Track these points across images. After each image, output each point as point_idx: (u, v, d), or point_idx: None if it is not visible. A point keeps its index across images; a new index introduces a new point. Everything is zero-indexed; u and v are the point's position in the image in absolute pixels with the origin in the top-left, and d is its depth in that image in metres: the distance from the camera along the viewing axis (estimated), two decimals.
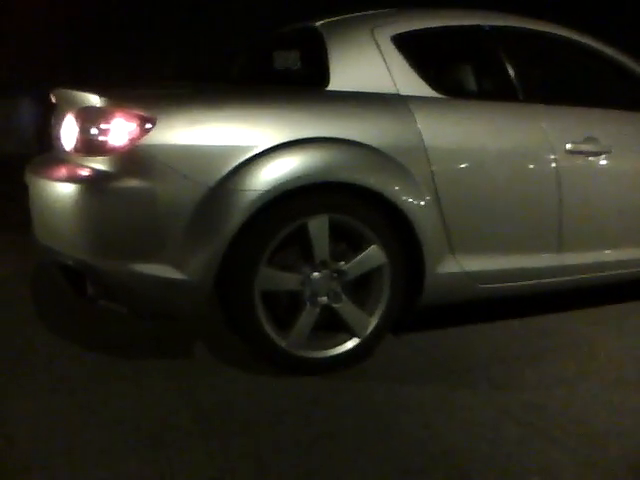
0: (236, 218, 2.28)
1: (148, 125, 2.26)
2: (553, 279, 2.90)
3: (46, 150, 2.99)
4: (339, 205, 2.44)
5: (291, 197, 2.35)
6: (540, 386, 2.42)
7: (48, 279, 3.63)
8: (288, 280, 2.43)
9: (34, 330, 2.94)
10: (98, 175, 2.30)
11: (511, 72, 2.86)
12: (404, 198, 2.49)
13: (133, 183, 2.26)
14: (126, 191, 2.26)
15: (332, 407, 2.27)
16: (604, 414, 2.22)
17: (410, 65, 2.66)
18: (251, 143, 2.32)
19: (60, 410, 2.23)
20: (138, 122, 2.26)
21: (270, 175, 2.31)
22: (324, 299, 2.47)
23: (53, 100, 2.88)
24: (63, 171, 2.41)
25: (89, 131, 2.33)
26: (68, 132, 2.46)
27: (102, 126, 2.30)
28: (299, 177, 2.34)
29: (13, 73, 9.17)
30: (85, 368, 2.56)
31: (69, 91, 2.60)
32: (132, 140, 2.26)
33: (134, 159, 2.26)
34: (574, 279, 2.94)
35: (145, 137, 2.25)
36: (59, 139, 2.58)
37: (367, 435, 2.09)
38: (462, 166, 2.64)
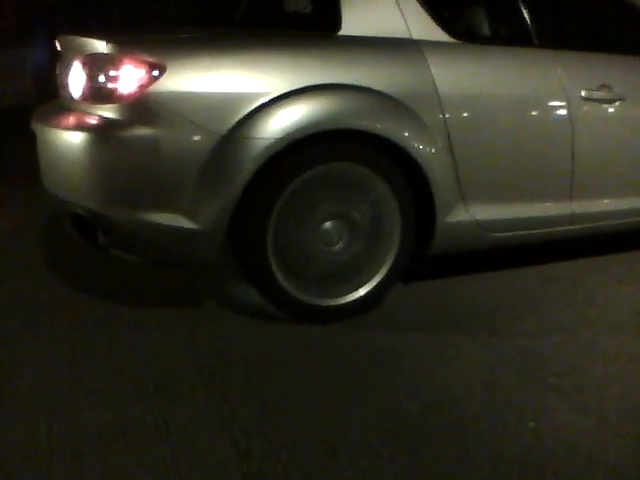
0: (248, 166, 2.26)
1: (157, 72, 2.21)
2: (565, 227, 2.89)
3: (46, 99, 2.95)
4: (351, 153, 2.42)
5: (303, 145, 2.32)
6: (538, 333, 2.44)
7: (53, 229, 3.63)
8: (300, 229, 2.42)
9: (39, 280, 2.94)
10: (107, 123, 2.27)
11: (526, 16, 2.78)
12: (416, 145, 2.46)
13: (143, 131, 2.23)
14: (136, 139, 2.24)
15: (331, 354, 2.29)
16: (600, 361, 2.24)
17: (424, 8, 2.59)
18: (262, 90, 2.29)
19: (63, 358, 2.25)
20: (147, 69, 2.22)
21: (281, 123, 2.28)
22: (336, 247, 2.48)
23: (58, 47, 2.83)
24: (71, 119, 2.38)
25: (97, 78, 2.29)
26: (75, 80, 2.42)
27: (110, 73, 2.25)
28: (310, 125, 2.31)
29: (8, 20, 8.96)
30: (89, 317, 2.56)
31: (75, 37, 2.55)
32: (141, 87, 2.22)
33: (143, 107, 2.23)
34: (586, 227, 2.94)
35: (154, 84, 2.22)
36: (66, 87, 2.54)
37: (364, 381, 2.11)
38: (475, 113, 2.60)
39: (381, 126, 2.42)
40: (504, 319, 2.56)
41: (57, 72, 2.79)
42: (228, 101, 2.26)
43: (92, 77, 2.31)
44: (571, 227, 2.91)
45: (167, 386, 2.08)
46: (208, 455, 1.75)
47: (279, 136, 2.27)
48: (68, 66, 2.53)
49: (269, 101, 2.28)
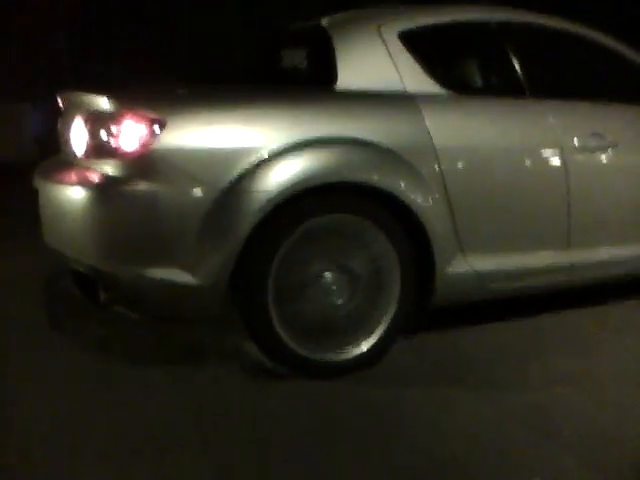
0: (248, 220, 2.28)
1: (158, 127, 2.25)
2: (563, 277, 2.89)
3: (48, 156, 2.98)
4: (349, 205, 2.44)
5: (302, 198, 2.35)
6: (540, 385, 2.40)
7: (51, 285, 3.61)
8: (300, 281, 2.42)
9: (36, 334, 2.91)
10: (108, 179, 2.30)
11: (517, 67, 2.85)
12: (413, 197, 2.48)
13: (144, 187, 2.26)
14: (137, 195, 2.26)
15: (333, 411, 2.25)
16: (608, 413, 2.20)
17: (417, 62, 2.66)
18: (261, 144, 2.32)
19: (60, 416, 2.22)
20: (148, 125, 2.26)
21: (281, 176, 2.31)
22: (336, 300, 2.47)
23: (60, 103, 2.88)
24: (73, 175, 2.41)
25: (99, 135, 2.33)
26: (77, 136, 2.46)
27: (112, 129, 2.29)
28: (309, 177, 2.34)
29: (11, 77, 9.09)
30: (87, 374, 2.54)
31: (77, 94, 2.60)
32: (142, 143, 2.26)
33: (144, 163, 2.26)
34: (583, 277, 2.94)
35: (155, 140, 2.25)
36: (68, 143, 2.58)
37: (366, 438, 2.07)
38: (470, 163, 2.64)
39: (378, 178, 2.45)
40: (505, 371, 2.52)
41: (59, 128, 2.84)
42: (227, 155, 2.30)
43: (94, 133, 2.35)
44: (570, 276, 2.92)
45: (167, 446, 2.04)
46: None
47: (279, 189, 2.29)
48: (70, 122, 2.57)
49: (268, 155, 2.32)
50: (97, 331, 2.98)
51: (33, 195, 2.71)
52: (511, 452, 1.98)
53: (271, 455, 1.99)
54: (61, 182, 2.43)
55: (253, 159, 2.30)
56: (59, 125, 2.85)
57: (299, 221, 2.37)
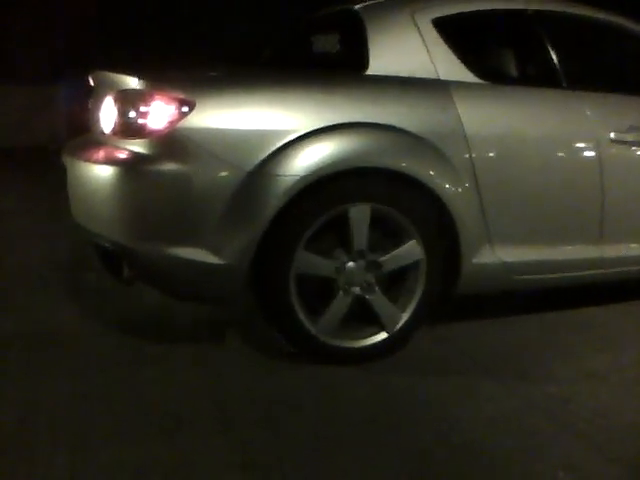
0: (273, 203, 2.27)
1: (187, 108, 2.24)
2: (592, 271, 2.84)
3: (77, 136, 3.00)
4: (376, 192, 2.41)
5: (328, 183, 2.32)
6: (567, 379, 2.37)
7: (78, 262, 3.65)
8: (323, 268, 2.40)
9: (64, 312, 2.96)
10: (136, 158, 2.30)
11: (553, 57, 2.79)
12: (442, 184, 2.45)
13: (171, 166, 2.25)
14: (164, 174, 2.26)
15: (355, 397, 2.24)
16: (631, 409, 2.17)
17: (451, 49, 2.61)
18: (289, 127, 2.30)
19: (83, 392, 2.24)
20: (177, 105, 2.25)
21: (308, 160, 2.29)
22: (357, 289, 2.45)
23: (91, 82, 2.89)
24: (101, 153, 2.42)
25: (128, 114, 2.33)
26: (107, 114, 2.46)
27: (141, 109, 2.29)
28: (336, 163, 2.32)
29: (39, 57, 9.15)
30: (109, 351, 2.56)
31: (108, 73, 2.60)
32: (171, 123, 2.25)
33: (172, 142, 2.26)
34: (613, 272, 2.88)
35: (184, 120, 2.24)
36: (97, 121, 2.58)
37: (388, 425, 2.06)
38: (502, 153, 2.59)
39: (407, 164, 2.42)
40: (532, 364, 2.50)
41: (89, 107, 2.85)
42: (255, 138, 2.28)
43: (123, 112, 2.34)
44: (600, 271, 2.86)
45: (187, 424, 2.05)
46: None
47: (305, 173, 2.28)
48: (100, 101, 2.58)
49: (296, 138, 2.30)
50: (117, 308, 3.00)
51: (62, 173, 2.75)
52: (528, 441, 1.97)
53: (284, 435, 1.99)
54: (89, 159, 2.43)
55: (281, 142, 2.28)
56: (89, 104, 2.86)
57: (325, 206, 2.35)
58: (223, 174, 2.26)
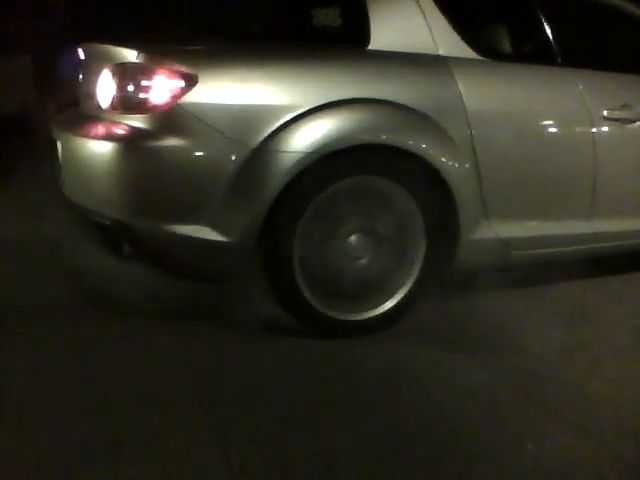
0: (278, 179, 2.25)
1: (189, 83, 2.21)
2: (585, 246, 2.89)
3: (47, 108, 2.93)
4: (379, 166, 2.41)
5: (332, 159, 2.32)
6: (537, 354, 2.39)
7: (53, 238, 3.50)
8: (326, 242, 2.41)
9: (35, 286, 2.88)
10: (137, 133, 2.26)
11: (550, 35, 2.80)
12: (442, 160, 2.46)
13: (173, 142, 2.22)
14: (166, 150, 2.23)
15: (329, 372, 2.25)
16: (599, 382, 2.20)
17: (451, 25, 2.61)
18: (294, 103, 2.29)
19: (55, 370, 2.19)
20: (179, 79, 2.21)
21: (312, 137, 2.28)
22: (361, 261, 2.46)
23: (80, 55, 2.82)
24: (101, 129, 2.37)
25: (128, 88, 2.28)
26: (104, 89, 2.40)
27: (142, 83, 2.24)
28: (341, 139, 2.31)
29: (8, 26, 8.80)
30: (83, 328, 2.50)
31: (103, 46, 2.54)
32: (173, 98, 2.21)
33: (174, 117, 2.22)
34: (605, 246, 2.94)
35: (186, 95, 2.21)
36: (92, 96, 2.52)
37: (361, 399, 2.07)
38: (500, 129, 2.61)
39: (409, 141, 2.42)
40: (503, 339, 2.51)
41: (79, 80, 2.78)
42: (259, 114, 2.26)
43: (122, 86, 2.30)
44: (592, 245, 2.92)
45: (160, 400, 2.02)
46: (201, 473, 1.70)
47: (310, 150, 2.27)
48: (94, 75, 2.51)
49: (300, 114, 2.28)
50: (90, 284, 2.91)
51: (51, 147, 2.68)
52: (498, 414, 2.00)
53: (265, 414, 1.97)
54: (87, 135, 2.38)
55: (285, 118, 2.27)
56: (80, 77, 2.79)
57: (328, 182, 2.34)
58: (226, 150, 2.24)
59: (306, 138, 2.27)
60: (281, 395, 2.08)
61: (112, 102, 2.33)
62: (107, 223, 2.35)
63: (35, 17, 8.69)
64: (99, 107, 2.44)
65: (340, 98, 2.33)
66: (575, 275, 3.07)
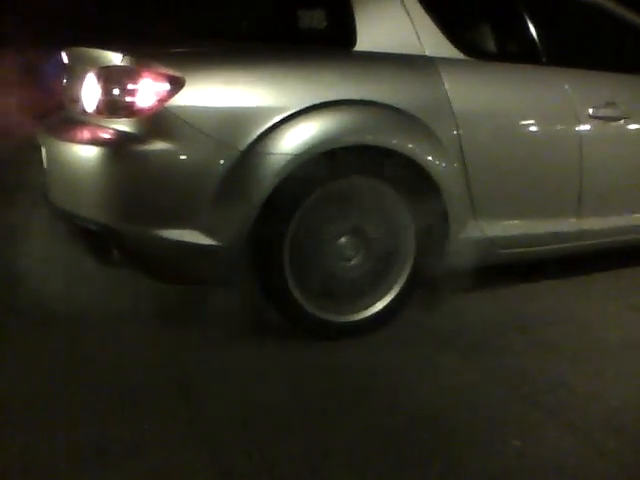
0: (268, 182, 2.25)
1: (176, 85, 2.19)
2: (573, 243, 2.92)
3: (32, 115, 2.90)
4: (368, 168, 2.42)
5: (320, 160, 2.31)
6: (523, 351, 2.41)
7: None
8: (316, 243, 2.40)
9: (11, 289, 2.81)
10: (124, 137, 2.23)
11: (534, 34, 2.83)
12: (430, 160, 2.47)
13: (160, 146, 2.20)
14: (153, 154, 2.21)
15: (314, 372, 2.24)
16: (586, 378, 2.22)
17: (437, 25, 2.62)
18: (282, 105, 2.28)
19: (40, 373, 2.17)
20: (166, 82, 2.20)
21: (301, 138, 2.27)
22: (351, 262, 2.46)
23: (64, 59, 2.79)
24: (87, 133, 2.34)
25: (113, 91, 2.26)
26: (89, 92, 2.38)
27: (128, 86, 2.22)
28: (329, 140, 2.31)
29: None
30: (68, 329, 2.47)
31: (87, 49, 2.52)
32: (159, 101, 2.20)
33: (161, 121, 2.21)
34: (593, 243, 2.97)
35: (173, 98, 2.19)
36: (76, 100, 2.50)
37: (347, 399, 2.07)
38: (487, 128, 2.62)
39: (397, 141, 2.43)
40: (488, 336, 2.53)
41: (64, 84, 2.75)
42: (247, 116, 2.25)
43: (108, 90, 2.27)
44: (579, 243, 2.94)
45: (146, 402, 2.01)
46: (187, 476, 1.69)
47: (299, 152, 2.26)
48: (78, 78, 2.49)
49: (288, 116, 2.28)
50: (77, 283, 2.76)
51: (35, 152, 2.64)
52: (485, 411, 2.01)
53: (251, 415, 1.97)
54: (73, 140, 2.35)
55: (273, 120, 2.26)
56: (63, 81, 2.76)
57: (317, 184, 2.34)
58: (214, 153, 2.23)
59: (295, 140, 2.26)
60: (267, 397, 2.07)
61: (98, 106, 2.31)
62: (94, 228, 2.32)
63: (19, 19, 8.51)
64: (84, 111, 2.41)
65: (330, 99, 2.33)
66: (559, 273, 3.10)
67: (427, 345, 2.45)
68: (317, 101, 2.32)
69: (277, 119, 2.26)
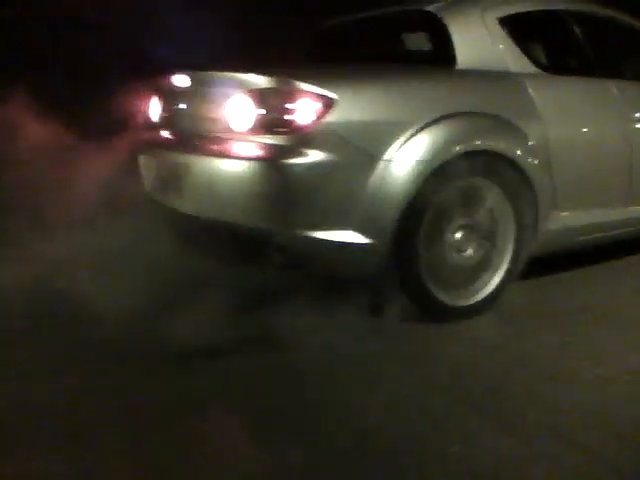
0: (411, 185, 2.57)
1: (329, 104, 2.48)
2: (623, 230, 3.43)
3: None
4: (479, 170, 2.78)
5: (444, 166, 2.66)
6: (460, 354, 2.49)
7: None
8: (440, 239, 2.74)
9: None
10: (285, 151, 2.49)
11: (588, 53, 3.32)
12: (527, 160, 2.87)
13: (318, 157, 2.48)
14: (312, 165, 2.48)
15: (262, 386, 2.25)
16: (523, 381, 2.25)
17: (518, 47, 3.03)
18: (411, 119, 2.62)
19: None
20: (321, 101, 2.48)
21: (433, 146, 2.61)
22: (469, 253, 2.83)
23: (177, 83, 2.98)
24: (245, 149, 2.57)
25: (272, 111, 2.52)
26: (236, 113, 2.62)
27: (287, 106, 2.49)
28: (457, 147, 2.66)
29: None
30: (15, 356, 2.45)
31: (219, 73, 2.77)
32: (315, 118, 2.48)
33: (318, 136, 2.49)
34: (637, 230, 3.50)
35: (327, 115, 2.48)
36: (215, 119, 2.72)
37: (286, 414, 2.06)
38: (565, 130, 3.05)
39: (503, 145, 2.81)
40: (426, 344, 2.61)
41: (183, 106, 2.98)
42: (388, 128, 2.57)
43: (266, 110, 2.53)
44: (627, 229, 3.42)
45: (87, 433, 1.94)
46: None
47: (433, 157, 2.60)
48: (212, 101, 2.74)
49: (419, 128, 2.61)
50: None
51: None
52: (424, 418, 2.01)
53: (214, 424, 2.00)
54: (229, 156, 2.59)
55: (408, 132, 2.59)
56: (183, 104, 2.98)
57: (441, 187, 2.68)
58: (363, 162, 2.54)
59: (430, 147, 2.60)
60: (229, 405, 2.12)
61: (254, 124, 2.55)
62: (253, 234, 2.57)
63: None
64: (229, 129, 2.65)
65: (450, 112, 2.69)
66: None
67: (364, 356, 2.43)
68: (438, 114, 2.67)
69: (411, 131, 2.60)
